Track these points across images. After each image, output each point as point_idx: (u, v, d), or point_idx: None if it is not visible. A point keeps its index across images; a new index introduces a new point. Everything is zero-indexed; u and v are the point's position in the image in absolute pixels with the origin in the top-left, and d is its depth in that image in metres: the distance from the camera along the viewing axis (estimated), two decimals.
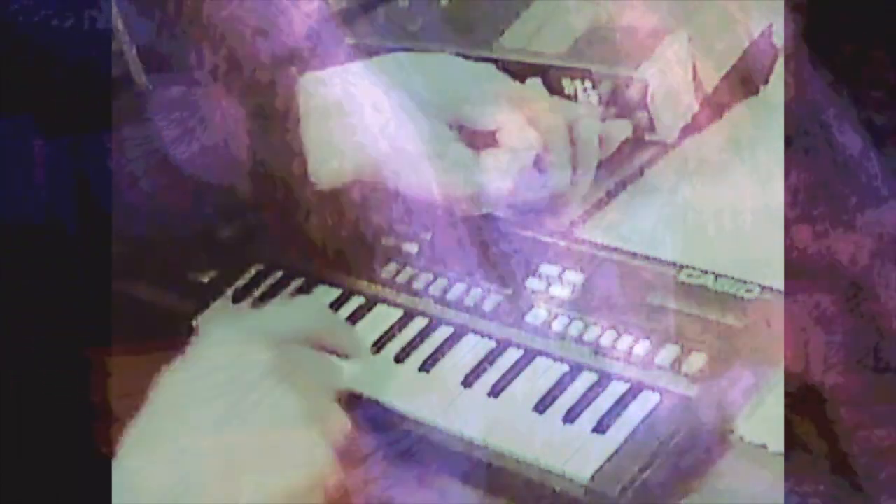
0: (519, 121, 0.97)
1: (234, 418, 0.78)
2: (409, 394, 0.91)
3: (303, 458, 0.78)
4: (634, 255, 0.94)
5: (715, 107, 1.06)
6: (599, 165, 1.00)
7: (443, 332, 0.94)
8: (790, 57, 0.89)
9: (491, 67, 1.02)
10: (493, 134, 0.97)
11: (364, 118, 0.96)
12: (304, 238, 1.00)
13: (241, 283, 1.04)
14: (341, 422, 0.82)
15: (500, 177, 0.96)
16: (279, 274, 1.03)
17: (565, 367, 0.89)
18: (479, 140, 0.97)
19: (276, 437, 0.78)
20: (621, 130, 1.00)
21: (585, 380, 0.87)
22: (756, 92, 1.09)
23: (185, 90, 0.99)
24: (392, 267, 0.99)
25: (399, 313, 0.97)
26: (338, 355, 0.87)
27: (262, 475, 0.77)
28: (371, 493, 0.89)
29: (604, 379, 0.87)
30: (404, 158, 0.95)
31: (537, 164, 0.97)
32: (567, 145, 0.98)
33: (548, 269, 0.95)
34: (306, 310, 0.89)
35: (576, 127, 0.99)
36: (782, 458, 0.80)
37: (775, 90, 1.07)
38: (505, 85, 1.00)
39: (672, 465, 0.81)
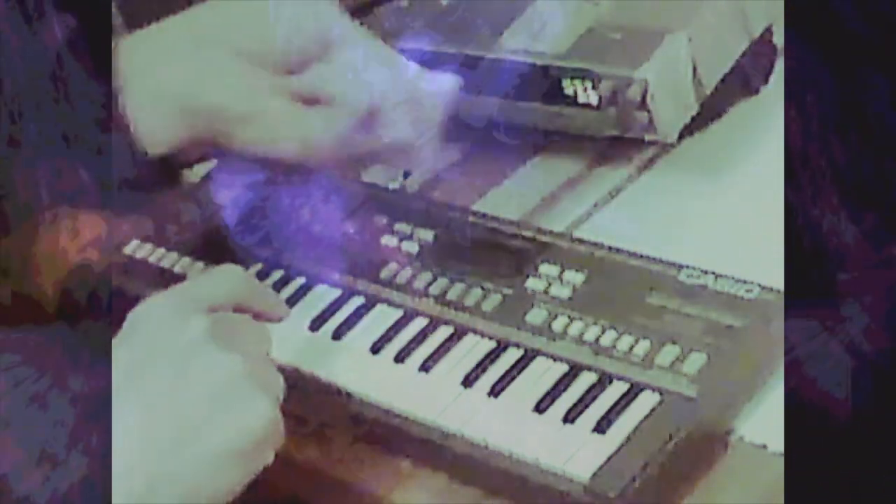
0: (347, 73, 0.93)
1: (179, 382, 0.80)
2: (409, 394, 0.91)
3: (250, 413, 0.80)
4: (634, 255, 0.94)
5: (715, 107, 1.06)
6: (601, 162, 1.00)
7: (443, 332, 0.94)
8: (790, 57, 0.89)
9: (328, 5, 0.96)
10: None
11: (185, 75, 0.93)
12: None
13: None
14: (278, 380, 0.84)
15: (324, 133, 0.93)
16: (279, 274, 1.03)
17: (565, 367, 0.89)
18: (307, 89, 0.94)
19: (222, 395, 0.80)
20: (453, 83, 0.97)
21: (585, 380, 0.87)
22: (756, 92, 1.09)
23: None
24: (392, 267, 1.00)
25: (399, 313, 0.97)
26: (263, 318, 0.88)
27: (214, 434, 0.79)
28: (370, 492, 0.89)
29: (604, 379, 0.87)
30: (228, 115, 0.92)
31: (368, 120, 0.93)
32: (401, 101, 0.94)
33: (548, 269, 0.95)
34: (229, 276, 0.89)
35: (416, 82, 0.96)
36: (782, 458, 0.80)
37: (775, 90, 1.07)
38: (339, 27, 0.95)
39: (672, 465, 0.81)
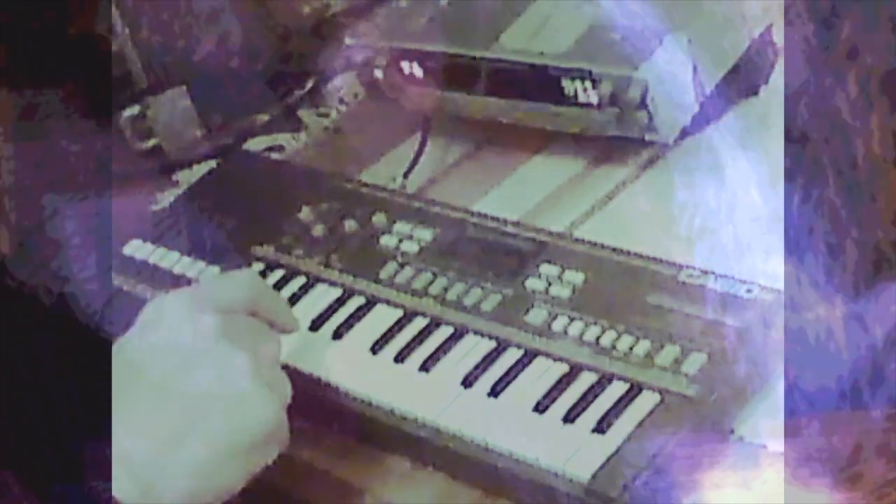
0: None
1: (188, 377, 0.81)
2: (409, 394, 0.91)
3: (254, 411, 0.81)
4: (634, 255, 0.94)
5: (715, 107, 1.06)
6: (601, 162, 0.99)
7: (443, 332, 0.94)
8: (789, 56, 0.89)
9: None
10: None
11: None
12: None
13: None
14: (286, 383, 0.85)
15: None
16: (279, 274, 1.03)
17: (565, 367, 0.89)
18: None
19: (227, 392, 0.81)
20: None
21: (585, 380, 0.87)
22: (756, 92, 1.09)
23: None
24: (392, 267, 1.00)
25: (399, 313, 0.97)
26: (273, 328, 0.89)
27: (217, 430, 0.80)
28: (370, 492, 0.89)
29: (604, 379, 0.87)
30: None
31: None
32: None
33: (548, 269, 0.95)
34: (245, 281, 0.90)
35: None
36: (782, 458, 0.80)
37: (775, 90, 1.07)
38: None
39: (672, 465, 0.81)
